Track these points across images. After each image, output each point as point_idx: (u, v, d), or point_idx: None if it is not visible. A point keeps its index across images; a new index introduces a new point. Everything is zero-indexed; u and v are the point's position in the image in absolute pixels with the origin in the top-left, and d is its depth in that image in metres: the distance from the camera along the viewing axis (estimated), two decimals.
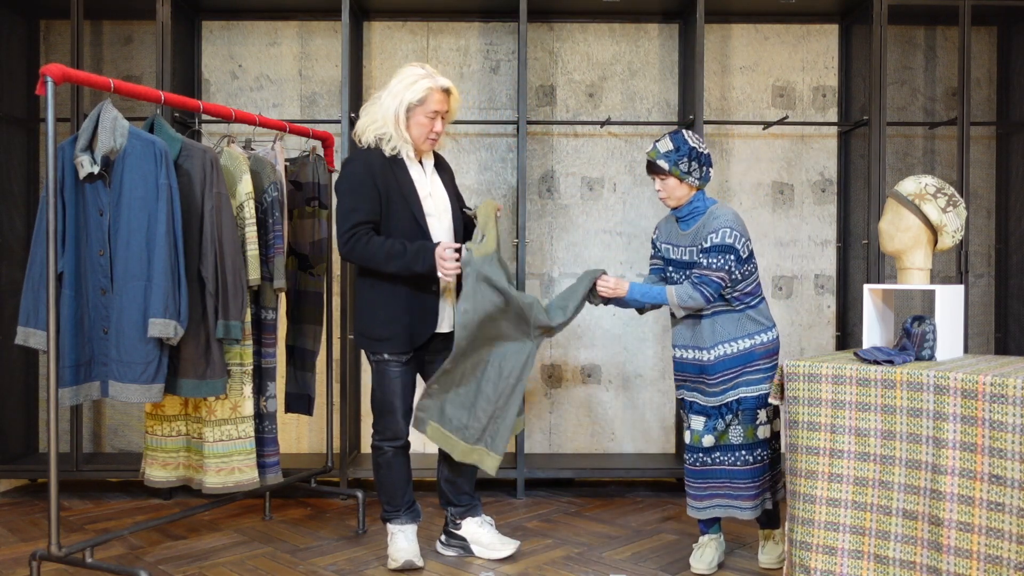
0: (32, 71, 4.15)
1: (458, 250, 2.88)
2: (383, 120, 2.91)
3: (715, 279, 2.83)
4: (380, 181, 2.89)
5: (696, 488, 3.00)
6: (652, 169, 2.93)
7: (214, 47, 4.32)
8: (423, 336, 2.95)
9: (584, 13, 4.30)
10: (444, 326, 3.00)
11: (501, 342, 2.99)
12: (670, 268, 3.03)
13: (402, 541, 3.02)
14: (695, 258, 2.91)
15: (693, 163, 2.87)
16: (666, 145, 2.89)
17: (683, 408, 3.06)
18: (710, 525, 3.07)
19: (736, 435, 2.90)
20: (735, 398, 2.90)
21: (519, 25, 3.92)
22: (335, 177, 3.89)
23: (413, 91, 2.88)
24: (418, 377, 3.10)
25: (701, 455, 2.96)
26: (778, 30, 4.37)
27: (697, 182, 2.90)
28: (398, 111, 2.89)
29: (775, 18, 4.34)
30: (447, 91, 2.94)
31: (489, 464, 3.00)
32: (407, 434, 3.03)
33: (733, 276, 2.86)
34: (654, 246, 3.12)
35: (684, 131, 2.93)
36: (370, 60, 4.34)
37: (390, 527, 3.06)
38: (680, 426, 4.26)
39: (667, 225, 3.07)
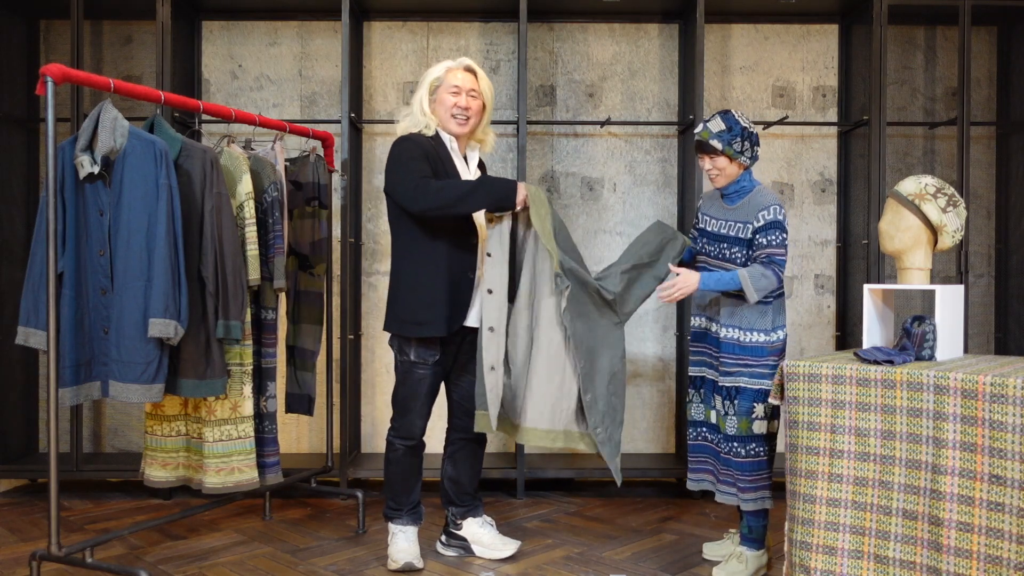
0: (32, 71, 4.15)
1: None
2: (413, 110, 2.99)
3: (779, 256, 2.82)
4: (430, 158, 2.90)
5: (691, 461, 3.06)
6: (703, 149, 2.90)
7: (214, 47, 4.31)
8: (457, 322, 2.92)
9: (584, 13, 4.30)
10: (473, 319, 2.96)
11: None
12: (703, 240, 3.00)
13: (403, 542, 3.02)
14: (742, 235, 2.87)
15: (745, 143, 2.86)
16: (718, 125, 2.86)
17: (692, 386, 3.06)
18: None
19: (731, 425, 2.87)
20: (735, 385, 2.87)
21: (519, 25, 3.92)
22: (335, 177, 3.92)
23: (434, 72, 2.99)
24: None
25: (704, 430, 3.01)
26: (778, 30, 4.37)
27: (748, 161, 2.89)
28: (423, 95, 2.98)
29: (775, 18, 4.34)
30: (469, 69, 2.97)
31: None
32: (420, 435, 3.02)
33: (787, 252, 2.87)
34: (696, 217, 3.09)
35: (734, 111, 2.91)
36: (370, 60, 4.34)
37: (391, 527, 3.06)
38: (680, 427, 4.26)
39: (710, 198, 3.05)
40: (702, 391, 3.04)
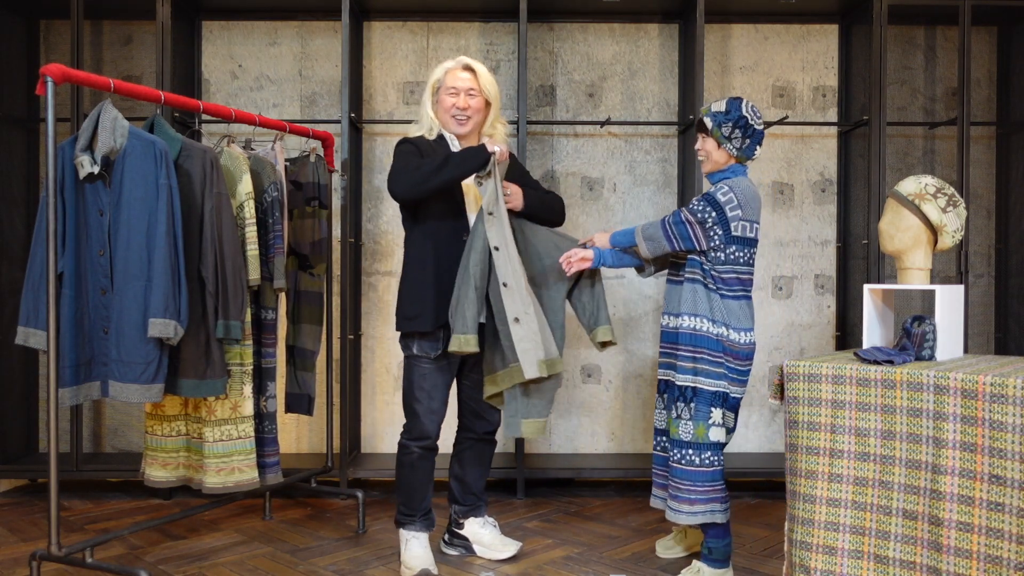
0: (32, 71, 4.15)
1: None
2: (420, 114, 3.04)
3: (682, 217, 2.73)
4: (426, 156, 2.91)
5: (655, 475, 2.92)
6: (699, 127, 2.85)
7: (214, 47, 4.32)
8: (444, 316, 2.90)
9: (584, 13, 4.30)
10: None
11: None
12: None
13: (417, 548, 2.96)
14: None
15: (736, 131, 2.75)
16: (719, 106, 2.79)
17: (658, 390, 2.94)
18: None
19: (686, 430, 2.75)
20: (691, 385, 2.75)
21: (519, 25, 3.92)
22: (335, 177, 3.92)
23: (435, 74, 3.01)
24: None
25: (663, 439, 2.90)
26: (778, 30, 4.37)
27: (736, 152, 2.79)
28: (426, 98, 3.02)
29: (775, 18, 4.34)
30: (468, 68, 2.98)
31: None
32: (434, 435, 2.98)
33: (708, 233, 2.70)
34: None
35: (745, 101, 2.80)
36: (370, 60, 4.34)
37: (403, 533, 3.00)
38: None
39: None
40: (665, 396, 2.91)
